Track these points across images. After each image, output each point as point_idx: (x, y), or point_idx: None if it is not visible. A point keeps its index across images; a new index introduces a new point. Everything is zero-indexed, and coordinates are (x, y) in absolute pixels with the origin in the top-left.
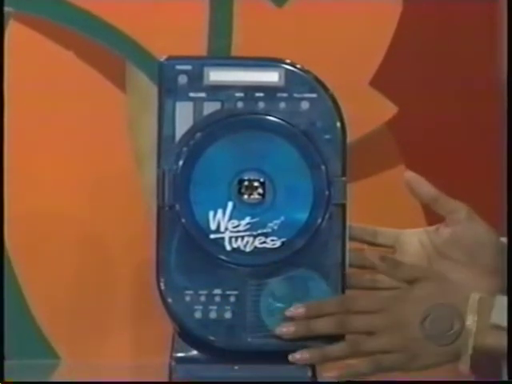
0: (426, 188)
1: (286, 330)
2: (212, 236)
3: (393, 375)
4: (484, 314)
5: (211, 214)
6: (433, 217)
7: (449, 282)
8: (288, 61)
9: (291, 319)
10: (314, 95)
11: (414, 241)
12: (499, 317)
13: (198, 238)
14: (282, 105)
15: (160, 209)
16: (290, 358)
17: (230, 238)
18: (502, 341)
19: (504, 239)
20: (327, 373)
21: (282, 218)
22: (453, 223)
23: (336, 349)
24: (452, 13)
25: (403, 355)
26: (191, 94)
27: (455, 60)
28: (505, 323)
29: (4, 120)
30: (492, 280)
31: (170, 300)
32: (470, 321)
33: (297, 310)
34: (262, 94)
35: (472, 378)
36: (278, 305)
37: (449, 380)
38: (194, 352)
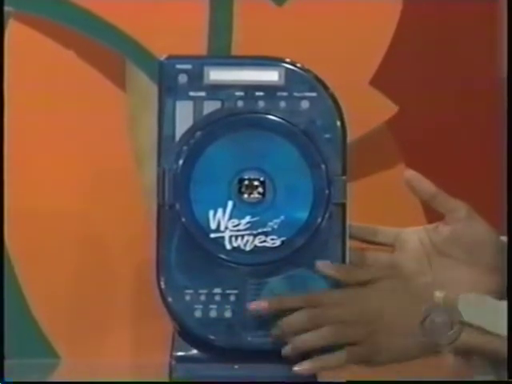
0: (425, 186)
1: (258, 306)
2: (212, 235)
3: (393, 376)
4: (451, 311)
5: (211, 213)
6: (433, 215)
7: (408, 279)
8: (288, 60)
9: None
10: (314, 94)
11: (413, 239)
12: (470, 315)
13: (198, 237)
14: (282, 104)
15: (160, 208)
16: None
17: (230, 237)
18: (477, 339)
19: (504, 238)
20: (299, 365)
21: (282, 217)
22: (452, 221)
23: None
24: (452, 13)
25: (368, 348)
26: (191, 93)
27: (455, 60)
28: (477, 322)
29: (4, 120)
30: (491, 278)
31: (170, 299)
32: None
33: (260, 303)
34: (262, 93)
35: (472, 378)
36: None
37: (449, 380)
38: (194, 351)
